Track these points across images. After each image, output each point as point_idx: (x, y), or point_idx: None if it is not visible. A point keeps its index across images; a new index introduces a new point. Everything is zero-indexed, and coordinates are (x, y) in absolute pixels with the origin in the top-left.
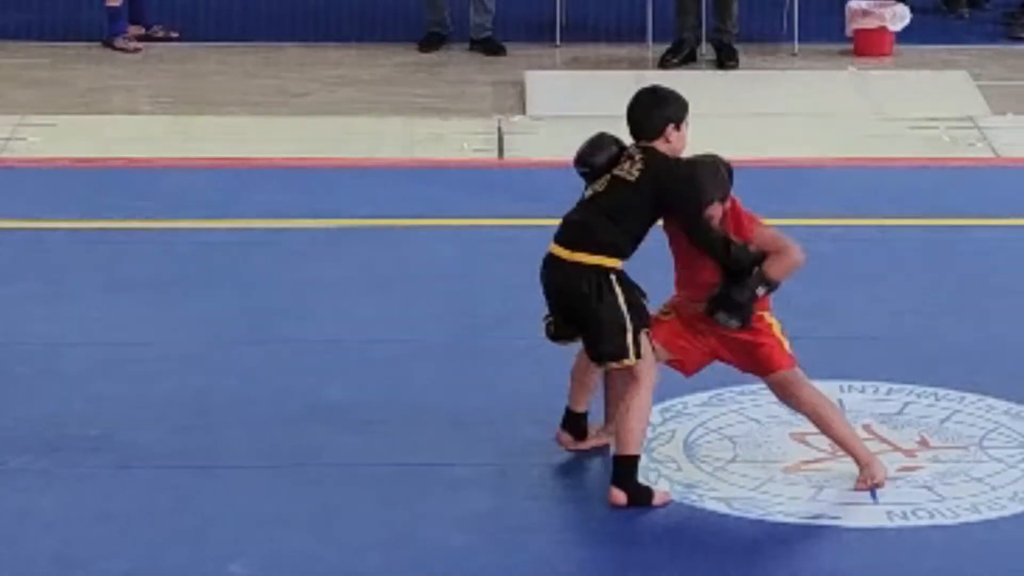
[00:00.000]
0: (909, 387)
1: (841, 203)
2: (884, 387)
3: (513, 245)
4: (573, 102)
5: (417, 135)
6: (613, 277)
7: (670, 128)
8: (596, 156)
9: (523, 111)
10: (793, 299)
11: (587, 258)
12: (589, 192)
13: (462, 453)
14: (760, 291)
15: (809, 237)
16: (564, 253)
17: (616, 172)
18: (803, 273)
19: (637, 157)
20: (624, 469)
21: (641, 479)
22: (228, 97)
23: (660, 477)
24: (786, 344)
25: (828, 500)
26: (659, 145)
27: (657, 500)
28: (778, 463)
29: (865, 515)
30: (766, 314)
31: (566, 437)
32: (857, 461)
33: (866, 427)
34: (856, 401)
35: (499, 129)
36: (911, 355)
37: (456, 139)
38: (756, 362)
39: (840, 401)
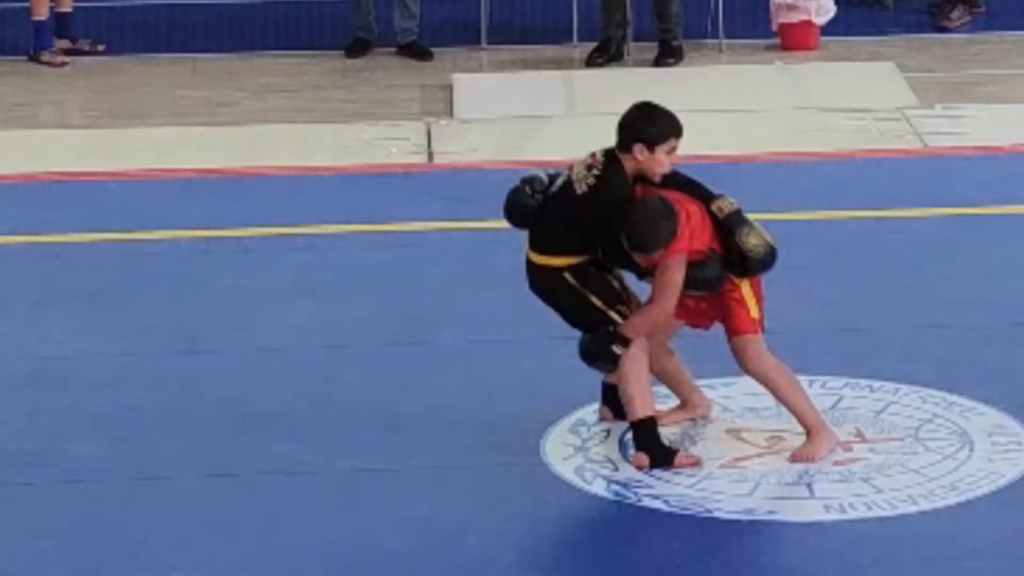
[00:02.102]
0: (843, 379)
1: (770, 197)
2: (818, 380)
3: (443, 248)
4: (501, 104)
5: (345, 141)
6: (566, 275)
7: (638, 147)
8: (547, 186)
9: (451, 114)
10: None
11: (538, 258)
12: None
13: (397, 457)
14: (617, 349)
15: None
16: (529, 254)
17: (572, 176)
18: None
19: (598, 165)
20: (640, 433)
21: (576, 479)
22: (156, 109)
23: (597, 477)
24: (752, 308)
25: (765, 495)
26: (627, 160)
27: (679, 461)
28: (714, 460)
29: (802, 509)
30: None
31: (607, 411)
32: (807, 430)
33: None
34: None
35: (427, 133)
36: (844, 347)
37: (384, 144)
38: (726, 322)
39: None
